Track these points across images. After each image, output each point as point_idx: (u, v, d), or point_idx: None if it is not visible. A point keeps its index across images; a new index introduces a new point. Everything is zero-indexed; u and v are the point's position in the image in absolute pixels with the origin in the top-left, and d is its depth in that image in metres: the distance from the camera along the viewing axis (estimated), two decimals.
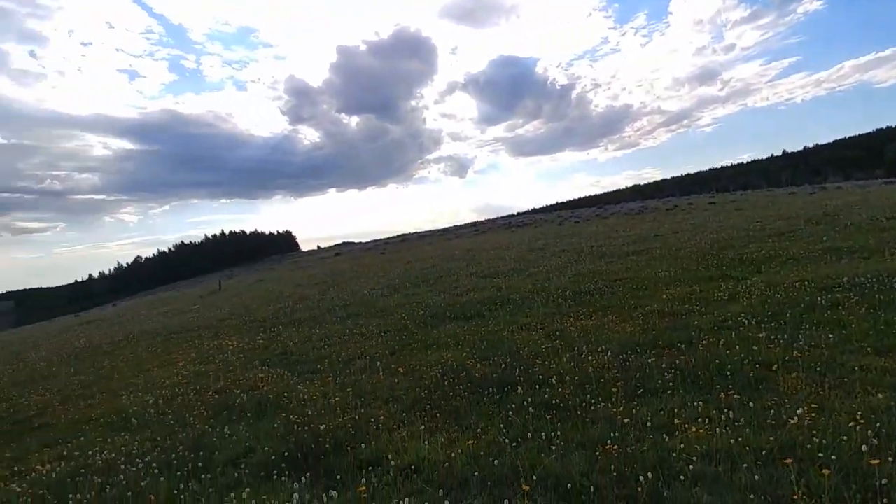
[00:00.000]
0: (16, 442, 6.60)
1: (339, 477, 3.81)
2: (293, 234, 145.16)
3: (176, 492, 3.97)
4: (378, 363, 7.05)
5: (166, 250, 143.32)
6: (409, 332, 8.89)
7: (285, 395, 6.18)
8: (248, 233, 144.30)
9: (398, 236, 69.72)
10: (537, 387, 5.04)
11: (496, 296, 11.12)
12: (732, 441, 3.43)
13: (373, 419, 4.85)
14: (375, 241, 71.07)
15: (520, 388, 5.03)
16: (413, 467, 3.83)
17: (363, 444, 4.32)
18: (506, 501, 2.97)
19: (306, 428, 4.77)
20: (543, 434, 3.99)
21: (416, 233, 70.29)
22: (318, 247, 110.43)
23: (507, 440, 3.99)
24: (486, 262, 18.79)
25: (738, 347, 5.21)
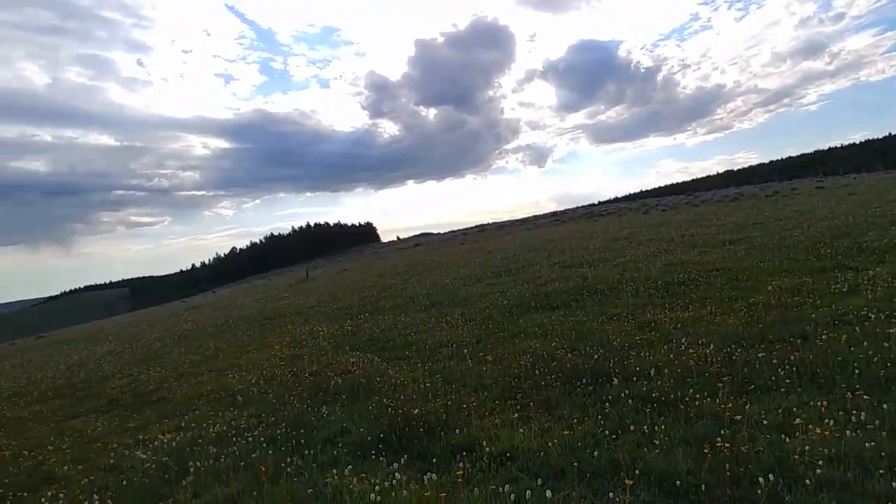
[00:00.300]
0: (138, 413, 7.31)
1: (434, 461, 3.87)
2: (373, 225, 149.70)
3: (283, 465, 4.22)
4: (465, 351, 7.09)
5: (258, 242, 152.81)
6: (493, 322, 8.87)
7: (377, 379, 6.37)
8: (331, 224, 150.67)
9: (476, 227, 69.86)
10: (634, 379, 4.83)
11: (581, 286, 10.81)
12: (865, 445, 3.09)
13: (464, 405, 4.87)
14: (454, 231, 71.65)
15: (615, 379, 4.84)
16: (508, 455, 3.81)
17: (456, 430, 4.36)
18: (610, 494, 2.87)
19: (400, 411, 4.88)
20: (643, 428, 3.82)
21: (494, 223, 70.08)
22: (398, 237, 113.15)
23: (605, 432, 3.86)
24: (569, 252, 18.34)
25: (865, 344, 4.69)
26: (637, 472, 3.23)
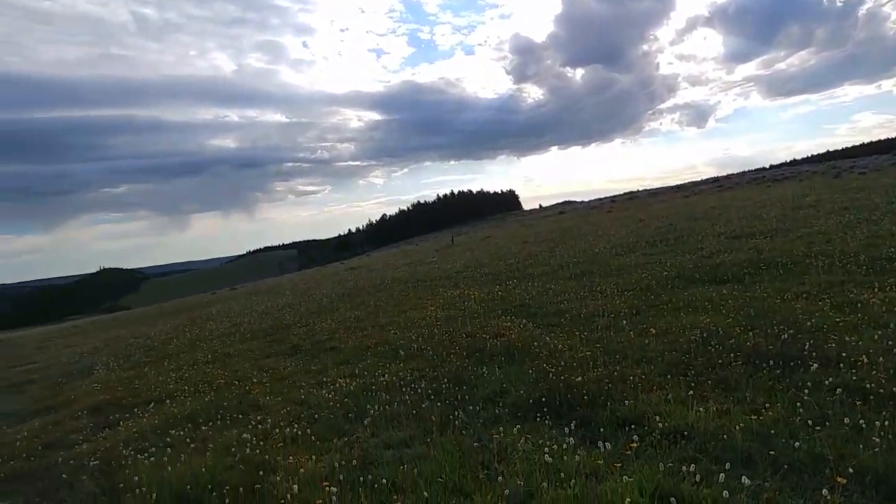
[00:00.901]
0: (316, 359, 8.25)
1: (601, 430, 3.79)
2: (516, 193, 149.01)
3: (450, 417, 4.47)
4: (623, 322, 6.79)
5: (405, 209, 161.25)
6: (653, 293, 8.35)
7: (533, 344, 6.40)
8: (474, 192, 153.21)
9: (625, 194, 65.87)
10: (839, 366, 4.21)
11: (756, 259, 9.65)
12: None
13: (629, 378, 4.68)
14: (600, 199, 68.43)
15: (812, 364, 4.26)
16: (682, 433, 3.59)
17: (622, 402, 4.21)
18: (824, 491, 2.55)
19: (561, 378, 4.85)
20: (853, 422, 3.32)
21: (645, 190, 65.43)
22: (540, 205, 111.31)
23: (802, 422, 3.43)
24: (738, 222, 16.45)
25: None
26: (850, 470, 2.82)
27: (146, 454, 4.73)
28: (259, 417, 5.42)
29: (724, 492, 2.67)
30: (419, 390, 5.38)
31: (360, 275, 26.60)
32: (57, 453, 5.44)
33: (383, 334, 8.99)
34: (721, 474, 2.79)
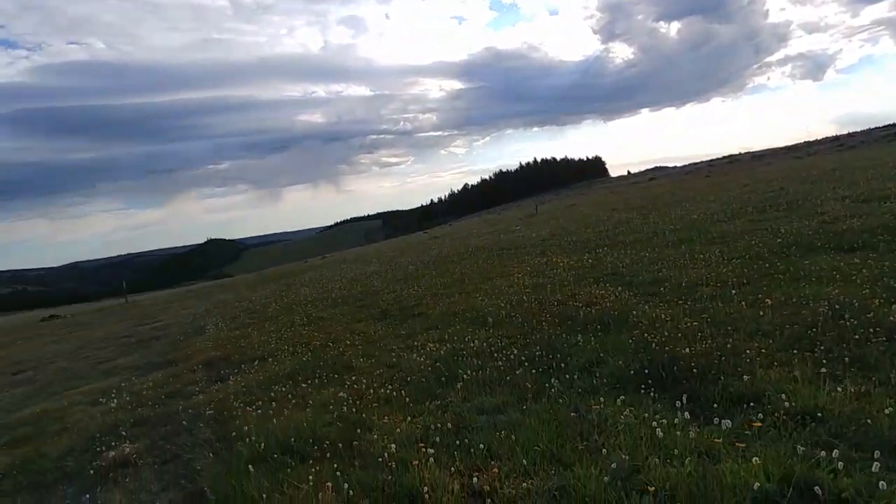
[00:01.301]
0: (405, 324, 8.39)
1: (714, 406, 3.47)
2: (601, 159, 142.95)
3: (545, 385, 4.33)
4: (732, 292, 6.22)
5: (487, 178, 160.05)
6: (765, 261, 7.58)
7: (632, 313, 6.05)
8: (557, 160, 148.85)
9: (724, 157, 60.92)
10: None
11: (892, 224, 8.47)
12: None
13: (746, 351, 4.27)
14: (695, 163, 63.86)
15: None
16: (814, 415, 3.19)
17: (737, 378, 3.84)
18: None
19: (666, 349, 4.53)
20: None
21: (747, 153, 60.08)
22: (629, 172, 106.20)
23: None
24: (865, 184, 14.58)
25: None
26: None
27: (253, 407, 5.03)
28: (353, 378, 5.59)
29: (881, 482, 2.31)
30: (510, 357, 5.27)
31: (444, 243, 26.83)
32: (177, 402, 5.97)
33: (470, 301, 8.96)
34: (875, 463, 2.43)
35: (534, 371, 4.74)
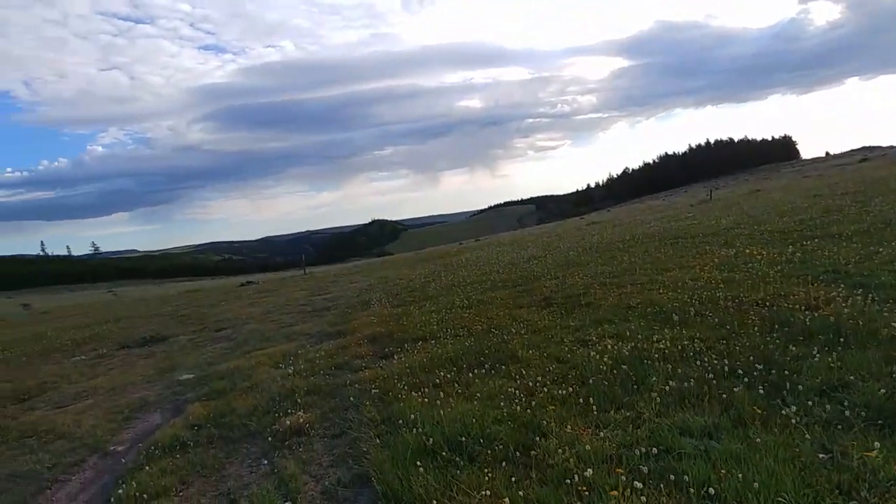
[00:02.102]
0: (571, 314, 7.70)
1: None
2: (791, 139, 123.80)
3: (775, 409, 3.40)
4: None
5: (651, 161, 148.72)
6: None
7: (873, 322, 4.67)
8: (735, 140, 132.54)
9: None
10: None
11: None
12: None
13: None
14: None
15: None
16: None
17: None
18: None
19: None
20: None
21: None
22: (827, 153, 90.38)
23: None
24: None
25: None
26: None
27: (419, 393, 4.84)
28: (521, 370, 5.12)
29: None
30: (711, 365, 4.35)
31: (604, 229, 25.18)
32: (345, 375, 6.10)
33: (645, 294, 7.95)
34: None
35: (751, 388, 3.79)
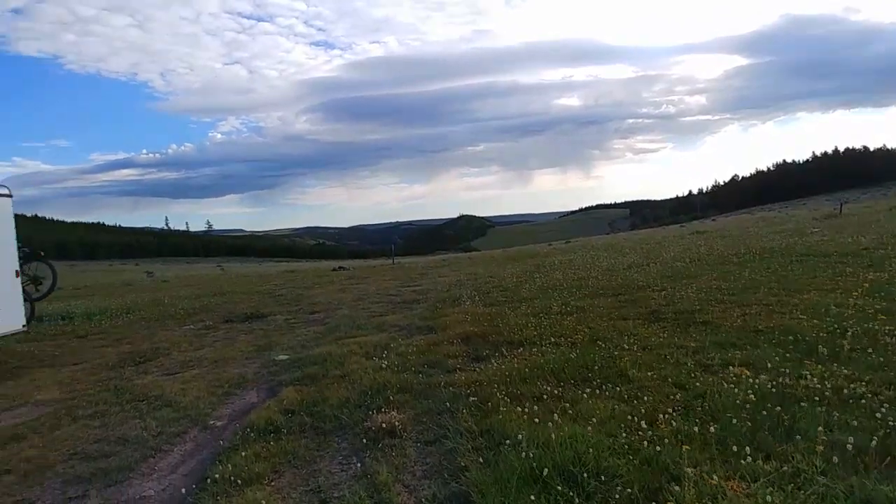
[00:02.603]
0: (686, 333, 6.90)
1: None
2: None
3: None
4: None
5: (764, 169, 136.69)
6: None
7: None
8: (870, 150, 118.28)
9: None
10: None
11: None
12: None
13: None
14: None
15: None
16: None
17: None
18: None
19: None
20: None
21: None
22: None
23: None
24: None
25: None
26: None
27: (519, 404, 4.44)
28: (635, 393, 4.56)
29: None
30: (883, 416, 3.54)
31: (712, 240, 23.20)
32: (438, 375, 5.83)
33: (776, 317, 6.97)
34: None
35: None
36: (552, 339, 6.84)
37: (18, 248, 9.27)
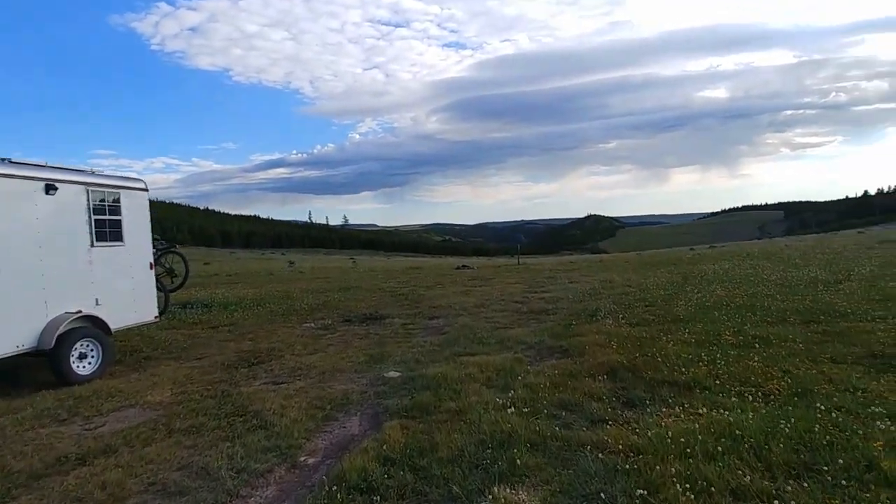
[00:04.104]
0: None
1: None
2: None
3: None
4: None
5: None
6: None
7: None
8: None
9: None
10: None
11: None
12: None
13: None
14: None
15: None
16: None
17: None
18: None
19: None
20: None
21: None
22: None
23: None
24: None
25: None
26: None
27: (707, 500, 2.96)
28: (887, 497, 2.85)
29: None
30: None
31: None
32: (579, 426, 4.46)
33: None
34: None
35: None
36: (735, 387, 5.11)
37: (156, 240, 9.58)
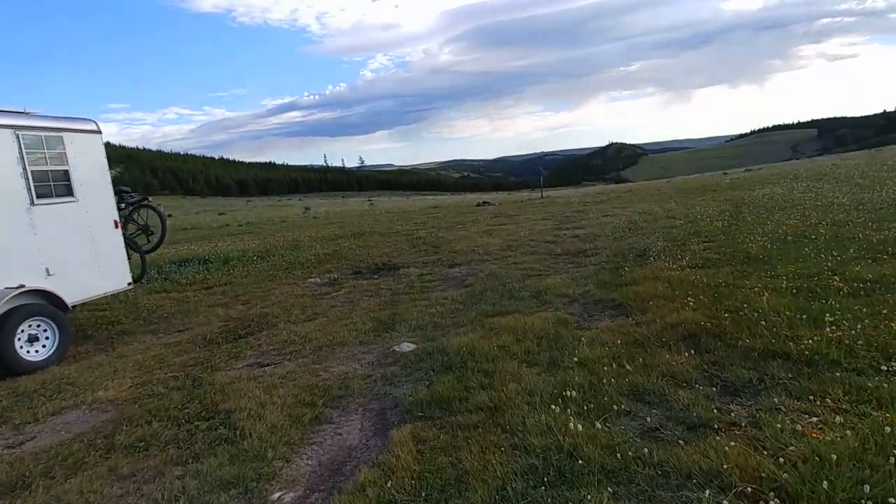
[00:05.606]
0: None
1: None
2: None
3: None
4: None
5: None
6: None
7: None
8: None
9: None
10: None
11: None
12: None
13: None
14: None
15: None
16: None
17: None
18: None
19: None
20: None
21: None
22: None
23: None
24: None
25: None
26: None
27: None
28: None
29: None
30: None
31: None
32: (671, 433, 3.06)
33: None
34: None
35: None
36: (880, 362, 3.61)
37: (124, 193, 8.22)
